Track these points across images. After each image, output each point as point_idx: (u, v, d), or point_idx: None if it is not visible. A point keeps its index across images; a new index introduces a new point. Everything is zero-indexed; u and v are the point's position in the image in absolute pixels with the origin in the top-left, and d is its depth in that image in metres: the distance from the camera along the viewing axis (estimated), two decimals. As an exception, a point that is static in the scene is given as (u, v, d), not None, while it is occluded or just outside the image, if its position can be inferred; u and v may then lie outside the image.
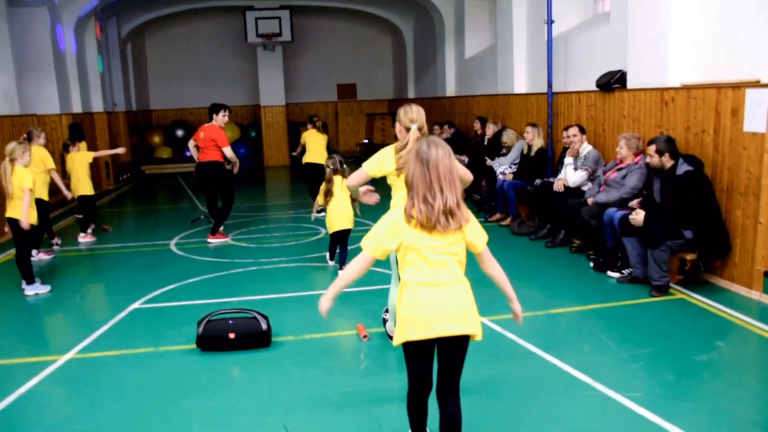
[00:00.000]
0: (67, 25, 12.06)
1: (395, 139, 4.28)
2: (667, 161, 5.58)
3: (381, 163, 4.19)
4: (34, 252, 7.37)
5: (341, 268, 6.59)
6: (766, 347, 4.58)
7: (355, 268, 2.87)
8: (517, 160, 8.80)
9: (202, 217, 9.73)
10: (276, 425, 3.64)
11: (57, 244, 8.24)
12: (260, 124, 17.46)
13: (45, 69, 11.29)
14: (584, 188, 7.18)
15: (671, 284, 5.65)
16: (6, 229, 6.49)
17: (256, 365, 4.49)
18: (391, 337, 4.68)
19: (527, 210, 8.42)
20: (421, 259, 2.75)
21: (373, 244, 2.80)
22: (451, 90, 13.67)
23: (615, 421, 3.54)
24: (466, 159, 10.81)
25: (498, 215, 8.76)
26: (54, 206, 10.27)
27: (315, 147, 9.82)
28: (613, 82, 7.18)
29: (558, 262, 6.76)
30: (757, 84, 5.29)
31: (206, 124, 8.18)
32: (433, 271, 2.75)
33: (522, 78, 9.82)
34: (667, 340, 4.63)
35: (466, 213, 2.76)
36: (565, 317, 5.22)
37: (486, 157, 9.65)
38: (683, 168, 5.48)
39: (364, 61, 19.09)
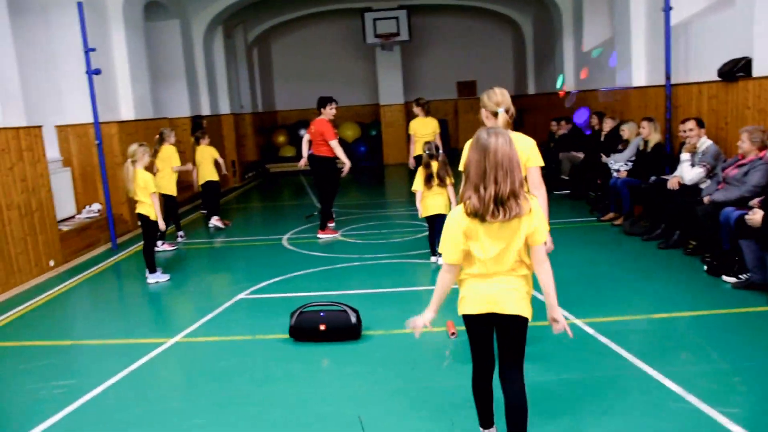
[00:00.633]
0: (197, 34, 12.98)
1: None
2: (791, 156, 5.08)
3: None
4: (159, 243, 8.04)
5: (434, 254, 6.85)
6: None
7: (442, 279, 2.90)
8: (633, 157, 8.35)
9: (316, 213, 10.09)
10: (352, 416, 3.75)
11: (181, 237, 8.92)
12: (380, 123, 17.80)
13: (177, 76, 12.27)
14: (702, 186, 6.69)
15: (796, 292, 5.15)
16: (138, 222, 7.16)
17: (343, 357, 4.63)
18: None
19: (641, 209, 7.97)
20: (478, 250, 2.75)
21: (446, 253, 2.83)
22: (569, 84, 13.20)
23: (702, 435, 3.30)
24: (581, 155, 10.44)
25: (611, 214, 8.36)
26: (182, 202, 11.13)
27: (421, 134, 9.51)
28: (736, 70, 6.61)
29: (670, 264, 6.35)
30: None
31: (317, 119, 8.43)
32: (487, 265, 2.78)
33: (641, 70, 9.29)
34: (780, 352, 4.23)
35: (526, 204, 2.69)
36: (668, 323, 4.90)
37: (602, 154, 9.25)
38: (810, 164, 4.97)
39: (483, 58, 18.86)
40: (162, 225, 6.88)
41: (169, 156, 8.38)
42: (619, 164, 8.49)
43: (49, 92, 9.19)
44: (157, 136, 8.63)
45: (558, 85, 13.48)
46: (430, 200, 6.63)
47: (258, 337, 5.09)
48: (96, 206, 9.15)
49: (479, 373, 3.05)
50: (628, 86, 9.54)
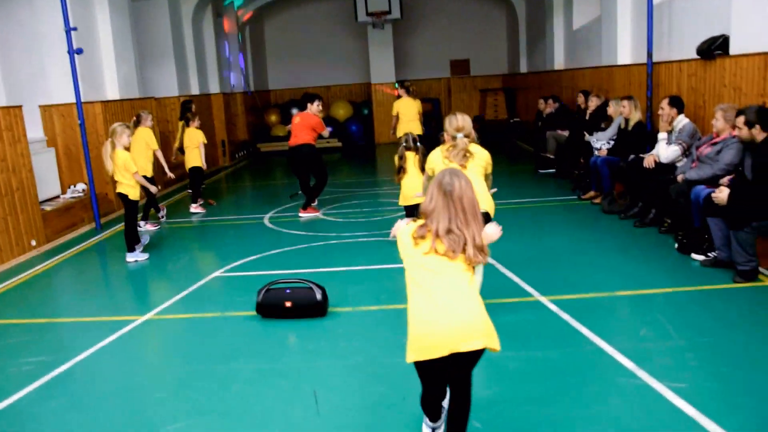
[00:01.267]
0: (186, 13, 12.91)
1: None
2: (759, 134, 5.07)
3: (433, 169, 4.57)
4: (141, 222, 8.08)
5: None
6: None
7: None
8: (615, 136, 8.33)
9: (300, 192, 10.11)
10: (308, 390, 3.81)
11: (162, 216, 8.95)
12: (372, 102, 17.74)
13: (165, 55, 12.23)
14: (679, 164, 6.69)
15: (762, 270, 5.18)
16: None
17: (307, 333, 4.68)
18: None
19: (622, 188, 7.98)
20: (425, 278, 2.74)
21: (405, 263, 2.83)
22: (559, 63, 13.13)
23: (645, 411, 3.34)
24: (566, 134, 10.42)
25: (592, 192, 8.37)
26: (168, 182, 11.16)
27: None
28: (714, 48, 6.58)
29: (643, 242, 6.38)
30: None
31: (301, 112, 8.59)
32: (437, 290, 2.73)
33: (626, 48, 9.25)
34: (737, 330, 4.27)
35: (487, 253, 2.77)
36: (632, 300, 4.94)
37: (585, 132, 9.23)
38: (777, 142, 4.96)
39: (477, 36, 18.71)
40: (154, 189, 7.32)
41: (143, 138, 8.29)
42: (600, 143, 8.48)
43: (34, 72, 9.19)
44: (134, 118, 8.57)
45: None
46: (406, 187, 6.50)
47: (227, 314, 5.15)
48: (81, 186, 9.19)
49: (429, 399, 3.01)
50: (613, 64, 9.49)
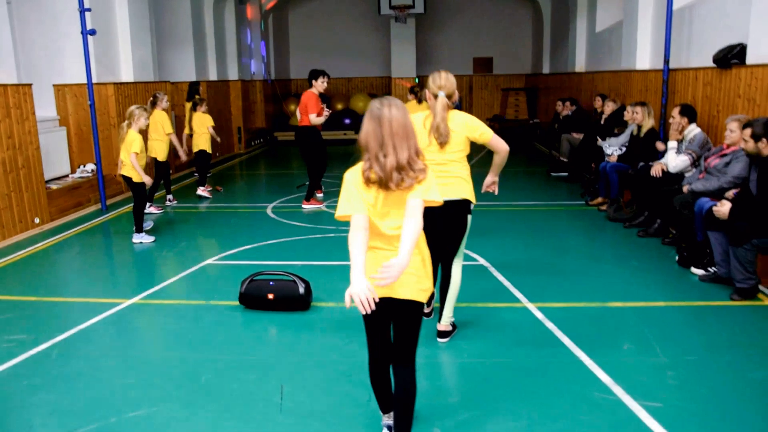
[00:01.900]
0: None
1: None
2: (765, 148, 4.88)
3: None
4: (147, 205, 8.11)
5: None
6: None
7: (352, 238, 2.64)
8: (628, 142, 8.14)
9: (308, 183, 10.06)
10: (275, 384, 3.76)
11: (170, 201, 8.98)
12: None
13: (184, 40, 12.25)
14: (687, 174, 6.50)
15: (762, 289, 5.00)
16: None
17: (287, 326, 4.63)
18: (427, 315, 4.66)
19: (630, 195, 7.80)
20: (377, 222, 2.69)
21: (342, 208, 2.67)
22: (580, 65, 12.89)
23: (614, 429, 3.23)
24: (581, 137, 10.22)
25: (600, 199, 8.19)
26: (179, 167, 11.21)
27: None
28: (731, 57, 6.37)
29: (644, 253, 6.21)
30: None
31: (306, 91, 8.47)
32: (386, 239, 2.71)
33: (646, 53, 9.02)
34: (724, 350, 4.11)
35: (422, 174, 2.63)
36: (621, 312, 4.79)
37: (598, 137, 9.04)
38: (784, 156, 4.77)
39: (501, 35, 18.50)
40: (148, 180, 6.93)
41: (159, 121, 8.34)
42: (612, 148, 8.29)
43: (49, 51, 9.25)
44: (150, 99, 8.63)
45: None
46: None
47: (211, 303, 5.12)
48: (90, 166, 9.25)
49: (373, 362, 2.96)
50: (632, 69, 9.28)
